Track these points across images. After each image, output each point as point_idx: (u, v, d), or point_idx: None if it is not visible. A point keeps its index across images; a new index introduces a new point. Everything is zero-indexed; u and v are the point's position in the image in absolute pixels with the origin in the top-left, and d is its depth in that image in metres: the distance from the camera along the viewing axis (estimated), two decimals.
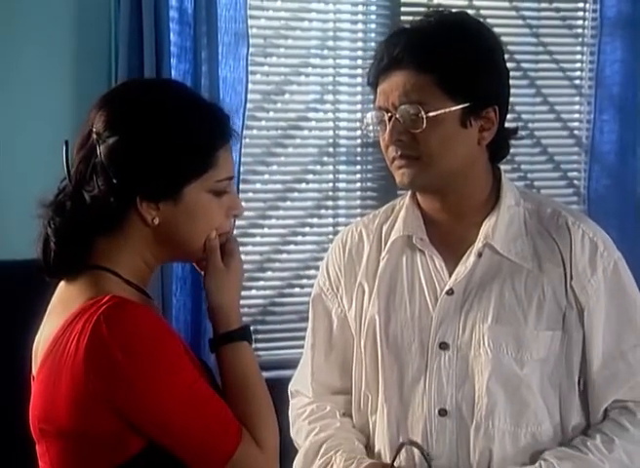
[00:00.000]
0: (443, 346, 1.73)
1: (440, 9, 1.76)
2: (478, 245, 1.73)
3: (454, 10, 1.79)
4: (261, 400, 1.47)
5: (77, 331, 1.35)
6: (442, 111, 1.64)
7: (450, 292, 1.74)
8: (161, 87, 1.54)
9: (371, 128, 1.73)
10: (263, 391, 1.48)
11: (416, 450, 1.71)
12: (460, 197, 1.73)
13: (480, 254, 1.74)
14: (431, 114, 1.63)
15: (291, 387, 1.93)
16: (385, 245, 1.82)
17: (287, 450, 1.86)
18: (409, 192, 1.83)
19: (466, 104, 1.65)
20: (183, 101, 1.46)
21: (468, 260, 1.74)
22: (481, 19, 1.69)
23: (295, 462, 1.84)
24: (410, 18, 3.26)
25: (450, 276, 1.75)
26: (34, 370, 1.46)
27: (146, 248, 1.45)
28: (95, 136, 1.41)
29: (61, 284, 1.48)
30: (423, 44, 1.64)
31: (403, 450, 1.72)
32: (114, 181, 1.39)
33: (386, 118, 1.67)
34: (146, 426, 1.36)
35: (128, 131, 1.40)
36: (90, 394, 1.34)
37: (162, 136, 1.40)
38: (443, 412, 1.72)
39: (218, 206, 1.46)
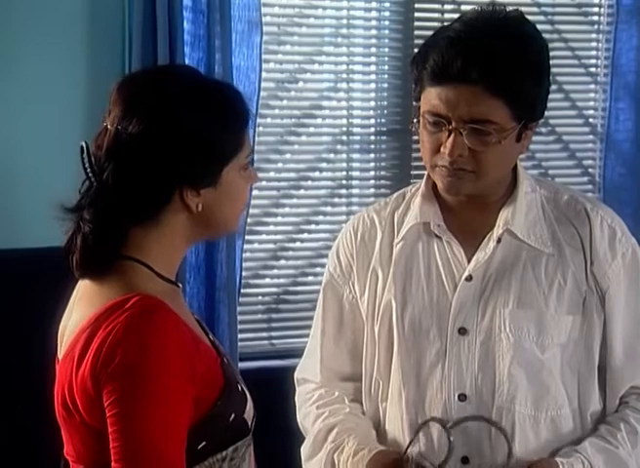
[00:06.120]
0: (462, 331, 1.73)
1: (495, 6, 1.67)
2: (498, 231, 1.73)
3: (510, 8, 1.68)
4: None
5: (102, 330, 1.36)
6: (509, 132, 1.63)
7: (469, 279, 1.74)
8: (178, 75, 1.51)
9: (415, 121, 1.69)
10: None
11: (435, 432, 1.71)
12: (488, 191, 1.73)
13: (499, 240, 1.74)
14: (501, 136, 1.61)
15: (297, 375, 1.93)
16: (398, 231, 1.81)
17: (296, 437, 1.87)
18: (423, 179, 1.82)
19: (525, 121, 1.65)
20: (208, 87, 1.46)
21: (488, 246, 1.74)
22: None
23: (303, 446, 1.84)
24: (423, 5, 3.34)
25: (468, 262, 1.74)
26: (59, 354, 1.47)
27: (182, 234, 1.47)
28: (125, 135, 1.39)
29: None
30: (496, 65, 1.59)
31: (421, 434, 1.71)
32: (153, 176, 1.40)
33: (446, 129, 1.63)
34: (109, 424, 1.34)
35: (164, 127, 1.39)
36: (101, 392, 1.34)
37: (197, 125, 1.41)
38: (463, 398, 1.72)
39: (245, 180, 1.50)
